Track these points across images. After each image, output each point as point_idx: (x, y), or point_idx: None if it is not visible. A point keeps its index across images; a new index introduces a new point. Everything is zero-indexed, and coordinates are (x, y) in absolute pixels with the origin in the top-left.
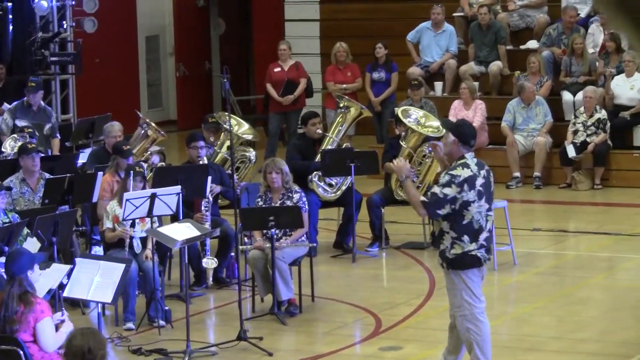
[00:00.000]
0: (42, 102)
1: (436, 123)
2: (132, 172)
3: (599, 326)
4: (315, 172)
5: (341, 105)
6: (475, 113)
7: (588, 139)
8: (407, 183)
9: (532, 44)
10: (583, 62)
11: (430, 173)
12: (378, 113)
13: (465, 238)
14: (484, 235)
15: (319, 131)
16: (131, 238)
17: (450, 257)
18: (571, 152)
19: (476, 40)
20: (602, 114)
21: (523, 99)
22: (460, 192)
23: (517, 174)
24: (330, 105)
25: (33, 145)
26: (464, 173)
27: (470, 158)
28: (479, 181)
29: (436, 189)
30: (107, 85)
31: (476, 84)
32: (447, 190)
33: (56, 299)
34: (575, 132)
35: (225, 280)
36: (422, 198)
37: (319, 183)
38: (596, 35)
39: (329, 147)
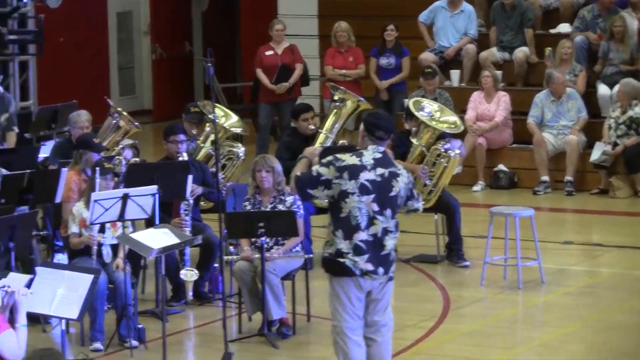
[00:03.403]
0: (0, 88)
1: (453, 118)
2: (99, 168)
3: (638, 356)
4: None
5: (336, 97)
6: (498, 106)
7: (618, 141)
8: (303, 161)
9: (564, 27)
10: (624, 48)
11: (446, 175)
12: (385, 103)
13: (339, 233)
14: (361, 235)
15: (312, 127)
16: (100, 245)
17: (324, 256)
18: (595, 154)
19: (499, 23)
20: (636, 112)
21: (552, 91)
22: (338, 178)
23: (546, 177)
24: (329, 96)
25: None
26: (350, 160)
27: (372, 150)
28: (366, 175)
29: (314, 167)
30: (73, 69)
31: (499, 73)
32: (323, 170)
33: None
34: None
35: (208, 295)
36: (298, 173)
37: None
38: (629, 21)
39: (324, 144)
